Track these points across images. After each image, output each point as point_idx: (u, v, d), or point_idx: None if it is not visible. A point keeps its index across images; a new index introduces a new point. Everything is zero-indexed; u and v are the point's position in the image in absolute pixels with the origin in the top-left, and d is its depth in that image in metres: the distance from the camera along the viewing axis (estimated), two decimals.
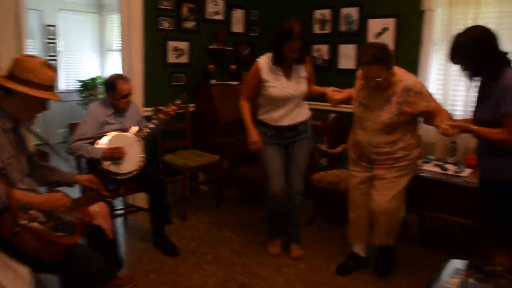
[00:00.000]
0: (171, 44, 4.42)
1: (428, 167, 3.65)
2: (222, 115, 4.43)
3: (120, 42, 4.16)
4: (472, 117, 2.54)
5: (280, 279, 3.12)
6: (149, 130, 3.36)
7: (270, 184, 3.25)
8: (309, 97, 3.33)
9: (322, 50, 5.04)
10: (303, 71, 3.21)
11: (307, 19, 5.09)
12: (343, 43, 4.88)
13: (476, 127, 2.41)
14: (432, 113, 2.75)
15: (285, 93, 3.14)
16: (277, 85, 3.13)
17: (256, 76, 3.18)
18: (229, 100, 4.52)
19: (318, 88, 3.32)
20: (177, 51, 4.49)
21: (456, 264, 2.28)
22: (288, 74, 3.16)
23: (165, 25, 4.34)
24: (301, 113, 3.26)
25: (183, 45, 4.53)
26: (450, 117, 2.70)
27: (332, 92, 3.07)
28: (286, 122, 3.20)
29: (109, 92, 3.32)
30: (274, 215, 3.41)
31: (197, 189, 4.73)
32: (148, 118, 3.62)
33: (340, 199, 3.54)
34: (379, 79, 2.70)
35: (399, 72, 2.82)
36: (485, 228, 2.66)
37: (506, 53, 2.36)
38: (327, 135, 4.52)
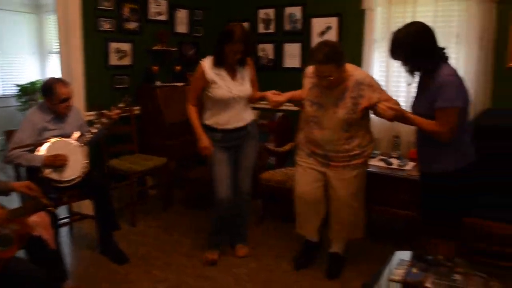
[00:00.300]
0: (113, 45, 4.31)
1: (374, 162, 3.73)
2: (168, 117, 4.37)
3: (58, 44, 4.00)
4: (411, 111, 2.62)
5: (231, 279, 3.11)
6: (91, 135, 3.26)
7: (217, 190, 3.23)
8: (251, 101, 3.32)
9: (267, 50, 5.07)
10: (246, 73, 3.22)
11: (252, 19, 5.10)
12: (287, 42, 4.92)
13: (412, 115, 2.49)
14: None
15: (231, 94, 3.13)
16: (223, 86, 3.12)
17: (201, 78, 3.15)
18: (174, 101, 4.45)
19: (258, 94, 3.31)
20: (119, 53, 4.38)
21: (401, 255, 2.35)
22: (232, 75, 3.16)
23: (106, 26, 4.23)
24: (248, 115, 3.27)
25: (125, 46, 4.42)
26: (396, 103, 2.74)
27: (272, 94, 3.03)
28: (233, 124, 3.19)
29: (47, 97, 3.19)
30: (220, 221, 3.36)
31: (145, 193, 4.64)
32: (90, 123, 3.50)
33: (289, 197, 3.56)
34: (332, 78, 2.71)
35: (349, 67, 2.84)
36: (424, 219, 2.76)
37: (443, 49, 2.45)
38: (274, 134, 4.55)
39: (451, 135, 2.37)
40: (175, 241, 3.70)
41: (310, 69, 2.94)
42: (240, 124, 3.22)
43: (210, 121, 3.23)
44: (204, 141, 3.18)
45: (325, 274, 3.14)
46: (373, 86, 2.81)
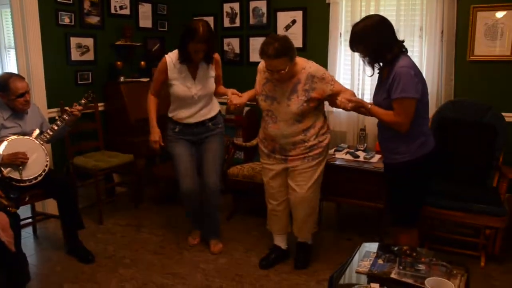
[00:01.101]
0: (74, 40, 4.19)
1: (341, 155, 3.77)
2: (133, 113, 4.29)
3: (14, 39, 3.84)
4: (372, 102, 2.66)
5: (199, 275, 3.08)
6: (51, 133, 3.17)
7: (181, 183, 3.24)
8: (214, 96, 3.32)
9: (233, 44, 5.03)
10: (211, 71, 3.20)
11: (217, 13, 5.06)
12: (253, 36, 4.90)
13: (370, 105, 2.53)
14: (337, 95, 2.80)
15: (190, 92, 3.14)
16: (182, 84, 3.13)
17: (163, 72, 3.15)
18: (140, 97, 4.36)
19: (222, 89, 3.31)
20: (81, 48, 4.26)
21: (368, 247, 2.38)
22: (194, 74, 3.15)
23: (66, 20, 4.10)
24: (210, 111, 3.27)
25: (87, 41, 4.31)
26: (352, 94, 2.81)
27: (231, 96, 3.00)
28: (192, 120, 3.22)
29: (2, 93, 3.08)
30: (189, 208, 3.44)
31: (112, 191, 4.56)
32: (52, 120, 3.40)
33: (257, 191, 3.56)
34: (283, 72, 2.72)
35: (300, 61, 2.87)
36: (388, 209, 2.80)
37: (402, 41, 2.48)
38: (242, 128, 4.53)
39: (407, 125, 2.41)
40: (144, 239, 3.65)
41: (262, 64, 2.92)
42: (200, 119, 3.23)
43: (171, 114, 3.26)
44: (155, 134, 3.22)
45: (293, 265, 3.15)
46: (325, 78, 2.83)
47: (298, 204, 3.02)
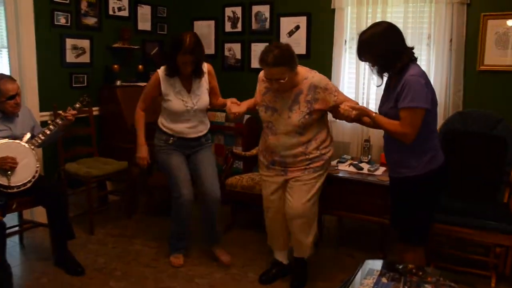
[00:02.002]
0: (70, 41, 4.18)
1: (343, 167, 3.72)
2: (129, 119, 4.24)
3: (6, 38, 3.81)
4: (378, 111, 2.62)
5: None
6: (43, 137, 3.13)
7: (178, 190, 3.19)
8: (213, 108, 3.35)
9: (234, 49, 5.01)
10: (204, 83, 3.21)
11: (218, 17, 5.05)
12: (255, 41, 4.88)
13: (374, 114, 2.49)
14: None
15: (186, 106, 3.14)
16: (177, 98, 3.14)
17: (155, 88, 3.18)
18: (137, 102, 4.32)
19: (221, 101, 3.32)
20: (77, 50, 4.25)
21: (371, 264, 2.32)
22: (188, 87, 3.16)
23: (62, 20, 4.09)
24: (204, 126, 3.31)
25: (83, 43, 4.30)
26: (355, 103, 2.77)
27: (230, 104, 2.98)
28: (190, 135, 3.23)
29: None
30: (180, 224, 3.32)
31: (105, 199, 4.51)
32: (45, 124, 3.37)
33: (256, 203, 3.51)
34: (283, 81, 2.69)
35: (303, 70, 2.84)
36: (393, 225, 2.76)
37: (411, 48, 2.45)
38: (242, 137, 4.49)
39: (413, 136, 2.36)
40: (137, 250, 3.59)
41: (263, 72, 2.89)
42: (195, 135, 3.25)
43: (165, 127, 3.25)
44: (143, 151, 3.24)
45: (290, 283, 3.08)
46: (329, 89, 2.80)
47: (294, 218, 2.94)
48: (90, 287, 3.02)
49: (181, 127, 3.20)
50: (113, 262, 3.38)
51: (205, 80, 3.21)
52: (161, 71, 3.16)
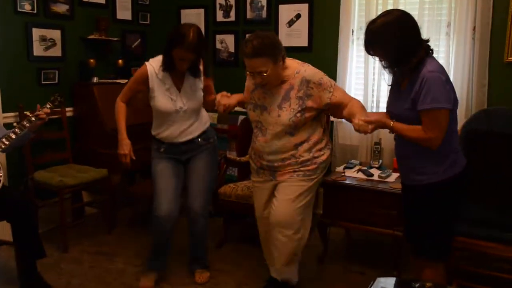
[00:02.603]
0: (37, 32, 4.15)
1: (351, 173, 3.72)
2: (109, 121, 4.23)
3: None
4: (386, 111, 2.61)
5: None
6: (7, 142, 3.09)
7: (156, 203, 3.20)
8: (205, 108, 3.33)
9: (226, 41, 5.00)
10: (199, 82, 3.20)
11: (209, 5, 5.05)
12: (251, 32, 4.80)
13: (392, 123, 2.46)
14: (339, 104, 2.78)
15: (175, 106, 3.13)
16: (165, 96, 3.12)
17: (141, 83, 3.16)
18: None
19: (212, 97, 3.26)
20: (46, 42, 4.23)
21: (383, 282, 2.30)
22: (179, 85, 3.15)
23: (27, 7, 4.06)
24: (199, 126, 3.27)
25: (53, 34, 4.28)
26: (362, 107, 2.73)
27: (220, 97, 2.98)
28: (178, 139, 3.22)
29: None
30: (157, 240, 3.32)
31: (81, 212, 4.51)
32: (8, 127, 3.34)
33: (253, 213, 3.49)
34: (265, 74, 2.69)
35: (294, 63, 2.85)
36: (408, 239, 2.74)
37: (427, 41, 2.43)
38: (236, 140, 4.48)
39: (439, 140, 2.35)
40: (117, 270, 3.59)
41: None
42: (187, 138, 3.23)
43: (155, 131, 3.27)
44: (123, 146, 3.20)
45: None
46: (323, 84, 2.79)
47: (276, 224, 2.91)
48: None
49: (168, 132, 3.18)
50: (91, 284, 3.37)
51: (199, 79, 3.20)
52: (150, 64, 3.12)
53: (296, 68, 2.82)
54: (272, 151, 2.87)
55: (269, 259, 3.17)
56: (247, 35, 2.72)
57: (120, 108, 3.24)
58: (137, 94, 3.23)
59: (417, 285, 2.21)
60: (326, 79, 2.82)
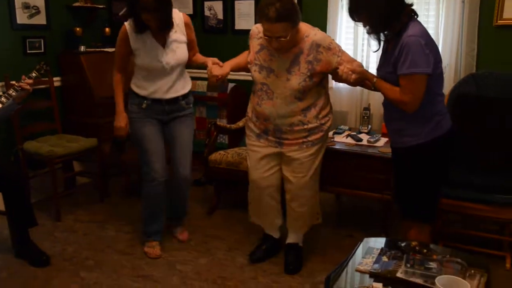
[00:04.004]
0: None
1: (341, 138, 3.77)
2: (97, 90, 4.25)
3: None
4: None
5: (176, 278, 3.09)
6: None
7: (148, 166, 3.23)
8: (190, 65, 3.33)
9: (215, 8, 4.97)
10: (181, 35, 3.17)
11: None
12: None
13: (376, 79, 2.52)
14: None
15: (160, 62, 3.11)
16: (149, 53, 3.09)
17: (124, 44, 3.13)
18: (105, 70, 4.34)
19: (200, 58, 3.28)
20: (29, 9, 4.17)
21: (370, 242, 2.39)
22: (162, 41, 3.11)
23: None
24: (184, 86, 3.27)
25: (36, 1, 4.21)
26: (359, 65, 2.73)
27: (212, 66, 2.91)
28: (166, 96, 3.19)
29: None
30: (152, 205, 3.36)
31: (73, 182, 4.55)
32: None
33: (244, 181, 3.56)
34: (284, 39, 2.64)
35: (304, 27, 2.80)
36: (396, 200, 2.83)
37: (411, 5, 2.45)
38: (226, 108, 4.51)
39: (415, 105, 2.40)
40: (110, 237, 3.65)
41: (257, 28, 2.88)
42: (171, 95, 3.21)
43: (137, 88, 3.23)
44: (120, 119, 3.23)
45: (284, 268, 3.16)
46: (332, 48, 2.78)
47: (295, 197, 3.03)
48: (58, 280, 3.06)
49: (156, 86, 3.16)
50: (84, 251, 3.43)
51: (181, 32, 3.16)
52: (128, 24, 3.09)
53: (305, 31, 2.78)
54: (280, 115, 2.85)
55: (262, 221, 3.25)
56: None
57: (116, 79, 3.24)
58: (129, 58, 3.21)
59: (403, 244, 2.31)
60: (335, 43, 2.82)
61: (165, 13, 2.96)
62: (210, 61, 2.99)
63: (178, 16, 3.17)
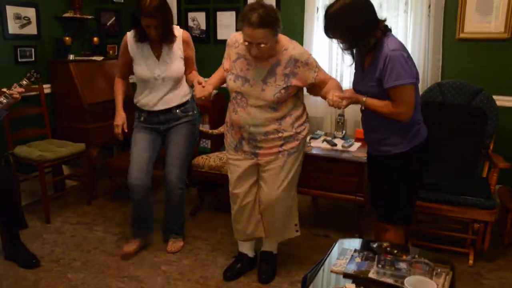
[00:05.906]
0: (11, 9, 4.01)
1: (317, 143, 3.78)
2: (86, 97, 4.19)
3: None
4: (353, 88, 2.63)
5: (160, 279, 3.05)
6: None
7: (129, 172, 3.23)
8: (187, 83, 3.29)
9: (198, 19, 4.97)
10: (178, 51, 3.16)
11: None
12: (221, 10, 4.85)
13: (365, 98, 2.47)
14: (320, 84, 2.72)
15: (152, 74, 3.11)
16: (144, 64, 3.12)
17: (125, 52, 3.17)
18: (93, 78, 4.30)
19: (191, 77, 3.20)
20: (21, 20, 4.10)
21: (345, 244, 2.39)
22: (158, 53, 3.12)
23: None
24: (176, 97, 3.23)
25: (28, 12, 4.15)
26: (339, 86, 2.73)
27: (197, 87, 2.77)
28: (154, 107, 3.20)
29: None
30: (135, 208, 3.35)
31: (62, 185, 4.48)
32: None
33: (226, 184, 3.53)
34: (264, 46, 2.55)
35: (283, 39, 2.72)
36: (374, 204, 2.82)
37: (384, 20, 2.43)
38: (208, 114, 4.50)
39: (410, 114, 2.40)
40: (97, 238, 3.60)
41: (235, 37, 2.79)
42: (163, 107, 3.20)
43: (136, 99, 3.28)
44: (118, 118, 3.24)
45: (258, 277, 3.06)
46: (310, 64, 2.70)
47: (270, 207, 2.87)
48: (46, 280, 3.01)
49: (147, 99, 3.18)
50: (72, 252, 3.38)
51: (178, 48, 3.15)
52: (130, 34, 3.12)
53: (284, 44, 2.69)
54: (254, 123, 2.73)
55: (241, 234, 3.05)
56: (249, 3, 2.55)
57: (117, 84, 3.29)
58: (130, 66, 3.22)
59: (375, 245, 2.31)
60: (312, 59, 2.73)
61: (165, 20, 2.97)
62: (196, 80, 2.86)
63: (178, 32, 3.16)
